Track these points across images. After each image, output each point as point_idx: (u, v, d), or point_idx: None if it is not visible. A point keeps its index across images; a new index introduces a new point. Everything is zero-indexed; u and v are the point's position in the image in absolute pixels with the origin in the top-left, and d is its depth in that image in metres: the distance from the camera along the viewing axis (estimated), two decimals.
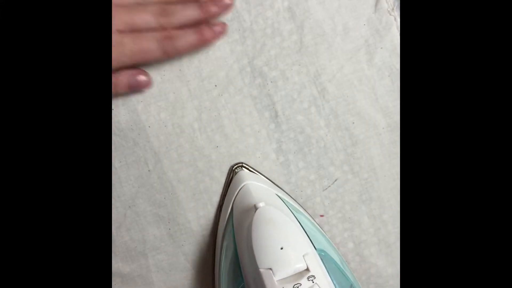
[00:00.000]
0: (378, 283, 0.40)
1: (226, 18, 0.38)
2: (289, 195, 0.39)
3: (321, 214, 0.40)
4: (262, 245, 0.30)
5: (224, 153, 0.39)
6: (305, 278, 0.29)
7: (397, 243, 0.40)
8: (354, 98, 0.39)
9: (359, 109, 0.39)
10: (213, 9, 0.35)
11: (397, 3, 0.39)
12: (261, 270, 0.30)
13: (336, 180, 0.40)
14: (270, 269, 0.29)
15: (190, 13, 0.35)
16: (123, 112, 0.38)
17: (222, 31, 0.36)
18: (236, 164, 0.39)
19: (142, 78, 0.36)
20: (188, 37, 0.35)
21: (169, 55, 0.36)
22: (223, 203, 0.39)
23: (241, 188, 0.37)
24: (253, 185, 0.37)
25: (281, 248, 0.30)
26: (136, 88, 0.37)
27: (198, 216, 0.39)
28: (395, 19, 0.39)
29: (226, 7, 0.36)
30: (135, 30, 0.34)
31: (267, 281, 0.29)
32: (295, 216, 0.35)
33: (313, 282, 0.29)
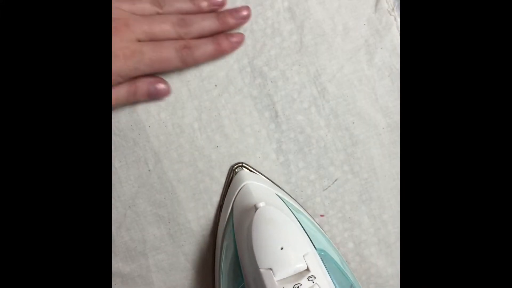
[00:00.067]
0: (378, 283, 0.40)
1: None
2: (289, 195, 0.39)
3: (321, 214, 0.40)
4: (262, 245, 0.30)
5: (224, 153, 0.39)
6: (305, 278, 0.29)
7: (397, 243, 0.40)
8: (354, 98, 0.39)
9: (359, 109, 0.39)
10: (231, 20, 0.36)
11: (397, 3, 0.39)
12: (261, 270, 0.30)
13: (336, 180, 0.40)
14: (270, 269, 0.29)
15: (207, 24, 0.36)
16: (123, 112, 0.38)
17: (239, 41, 0.37)
18: (236, 164, 0.39)
19: (161, 86, 0.37)
20: (205, 47, 0.36)
21: (187, 64, 0.36)
22: (223, 203, 0.39)
23: (241, 188, 0.37)
24: (253, 185, 0.37)
25: (281, 248, 0.30)
26: (155, 96, 0.37)
27: (198, 216, 0.39)
28: (395, 19, 0.39)
29: (243, 19, 0.37)
30: (154, 39, 0.35)
31: (267, 281, 0.29)
32: (295, 216, 0.35)
33: (313, 282, 0.29)
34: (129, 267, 0.40)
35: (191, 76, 0.38)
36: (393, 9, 0.39)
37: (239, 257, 0.33)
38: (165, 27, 0.35)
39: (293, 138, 0.39)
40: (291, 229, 0.32)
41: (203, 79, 0.38)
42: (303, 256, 0.30)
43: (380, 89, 0.39)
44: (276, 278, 0.29)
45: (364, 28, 0.39)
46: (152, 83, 0.36)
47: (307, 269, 0.30)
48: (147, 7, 0.35)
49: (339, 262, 0.36)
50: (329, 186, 0.40)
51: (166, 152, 0.39)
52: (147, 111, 0.38)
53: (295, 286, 0.29)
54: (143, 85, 0.36)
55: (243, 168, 0.39)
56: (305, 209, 0.39)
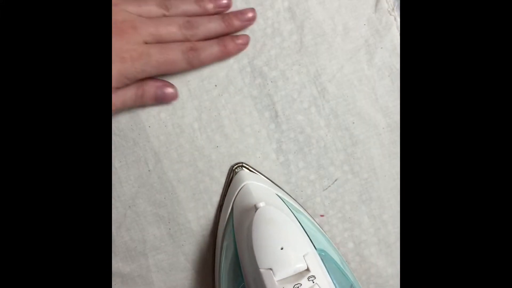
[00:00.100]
0: (378, 283, 0.40)
1: None
2: (289, 195, 0.39)
3: (321, 214, 0.40)
4: (262, 245, 0.30)
5: (224, 153, 0.39)
6: (305, 278, 0.29)
7: (397, 243, 0.40)
8: (354, 98, 0.39)
9: (359, 109, 0.39)
10: (236, 23, 0.37)
11: (397, 3, 0.39)
12: (261, 270, 0.30)
13: (336, 180, 0.40)
14: (271, 269, 0.29)
15: (213, 26, 0.36)
16: (123, 112, 0.38)
17: (245, 43, 0.37)
18: (236, 164, 0.39)
19: (169, 90, 0.37)
20: (212, 49, 0.36)
21: (193, 66, 0.37)
22: (223, 203, 0.39)
23: (241, 188, 0.37)
24: (253, 185, 0.37)
25: (282, 248, 0.30)
26: (162, 101, 0.37)
27: (198, 216, 0.39)
28: (395, 19, 0.39)
29: (249, 21, 0.37)
30: (161, 42, 0.35)
31: (267, 281, 0.29)
32: (295, 216, 0.35)
33: (313, 282, 0.29)
34: (129, 267, 0.40)
35: (191, 76, 0.38)
36: (393, 9, 0.39)
37: (239, 257, 0.33)
38: (171, 29, 0.35)
39: (293, 138, 0.39)
40: (291, 229, 0.32)
41: (203, 79, 0.38)
42: (303, 256, 0.30)
43: (380, 89, 0.39)
44: (276, 278, 0.29)
45: (364, 28, 0.39)
46: (159, 87, 0.37)
47: (307, 269, 0.30)
48: (154, 10, 0.36)
49: (339, 262, 0.36)
50: (329, 186, 0.40)
51: (166, 152, 0.39)
52: (147, 111, 0.38)
53: (295, 286, 0.29)
54: (150, 89, 0.36)
55: (243, 168, 0.39)
56: (305, 209, 0.39)
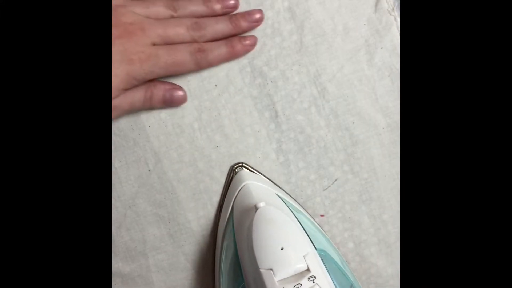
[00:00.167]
0: (378, 283, 0.40)
1: None
2: (289, 195, 0.39)
3: (321, 214, 0.40)
4: (262, 245, 0.30)
5: (224, 153, 0.39)
6: (305, 279, 0.29)
7: (397, 243, 0.40)
8: (354, 98, 0.39)
9: (359, 109, 0.39)
10: (244, 24, 0.37)
11: (397, 3, 0.39)
12: (261, 270, 0.30)
13: (336, 180, 0.40)
14: (271, 269, 0.29)
15: (221, 27, 0.36)
16: None
17: (252, 44, 0.38)
18: (236, 164, 0.39)
19: (178, 93, 0.37)
20: (219, 50, 0.36)
21: (201, 67, 0.37)
22: (223, 203, 0.39)
23: (241, 188, 0.37)
24: (253, 185, 0.37)
25: (282, 248, 0.30)
26: (171, 104, 0.37)
27: (198, 216, 0.39)
28: (395, 19, 0.39)
29: (256, 22, 0.37)
30: (169, 43, 0.35)
31: (267, 282, 0.29)
32: (295, 216, 0.35)
33: (313, 282, 0.29)
34: (129, 267, 0.40)
35: (191, 76, 0.38)
36: (393, 9, 0.39)
37: (239, 257, 0.33)
38: (179, 31, 0.35)
39: (293, 138, 0.39)
40: (291, 229, 0.32)
41: (203, 79, 0.38)
42: (304, 256, 0.30)
43: (380, 89, 0.39)
44: (276, 278, 0.29)
45: (364, 28, 0.39)
46: (168, 90, 0.37)
47: (308, 269, 0.30)
48: (162, 11, 0.36)
49: (339, 262, 0.36)
50: (329, 186, 0.40)
51: (166, 152, 0.39)
52: (147, 111, 0.38)
53: (296, 286, 0.29)
54: (159, 92, 0.36)
55: (243, 168, 0.39)
56: (305, 209, 0.39)
